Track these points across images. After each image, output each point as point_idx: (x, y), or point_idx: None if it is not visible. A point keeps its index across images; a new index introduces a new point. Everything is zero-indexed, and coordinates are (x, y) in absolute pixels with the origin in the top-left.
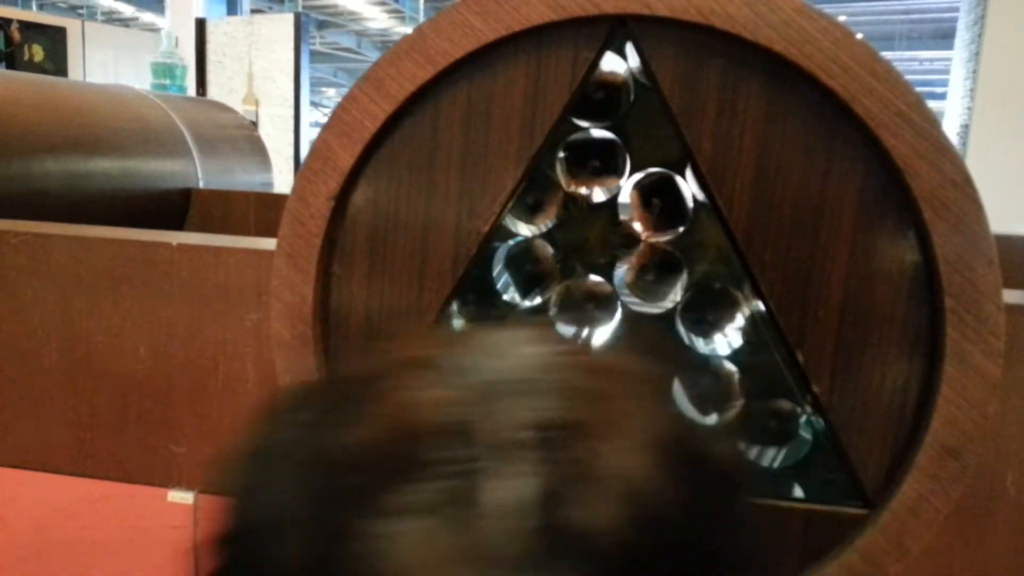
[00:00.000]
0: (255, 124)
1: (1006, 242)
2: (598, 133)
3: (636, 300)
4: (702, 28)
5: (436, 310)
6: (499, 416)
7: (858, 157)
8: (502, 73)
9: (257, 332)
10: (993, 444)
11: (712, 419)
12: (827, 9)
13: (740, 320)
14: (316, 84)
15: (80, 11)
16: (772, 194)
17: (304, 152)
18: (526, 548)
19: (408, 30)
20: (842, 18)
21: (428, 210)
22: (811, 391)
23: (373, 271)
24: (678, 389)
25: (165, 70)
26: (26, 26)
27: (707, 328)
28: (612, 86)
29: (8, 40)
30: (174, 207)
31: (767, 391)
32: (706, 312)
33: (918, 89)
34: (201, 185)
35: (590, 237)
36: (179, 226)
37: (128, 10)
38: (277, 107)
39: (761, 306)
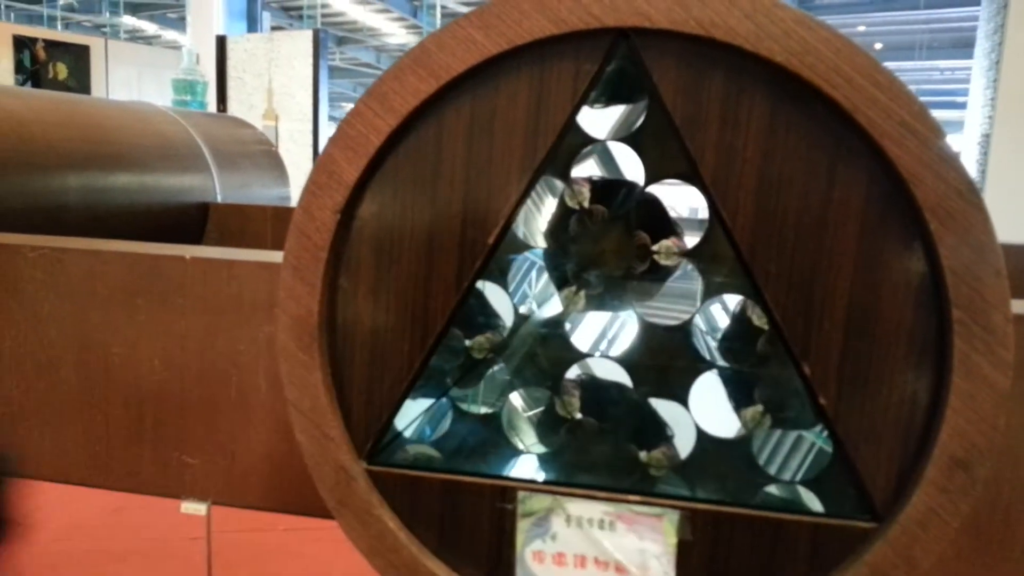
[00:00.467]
0: (275, 139)
1: (1014, 252)
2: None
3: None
4: (703, 40)
5: (442, 322)
6: None
7: (862, 167)
8: (505, 87)
9: (270, 344)
10: (1011, 456)
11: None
12: (847, 19)
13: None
14: (335, 99)
15: (104, 29)
16: (776, 205)
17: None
18: None
19: None
20: (861, 28)
21: (433, 223)
22: (817, 403)
23: (378, 284)
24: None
25: (186, 87)
26: (51, 45)
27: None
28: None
29: (33, 58)
30: (192, 221)
31: (785, 405)
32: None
33: (938, 99)
34: (219, 199)
35: (605, 249)
36: (197, 240)
37: (151, 28)
38: (296, 122)
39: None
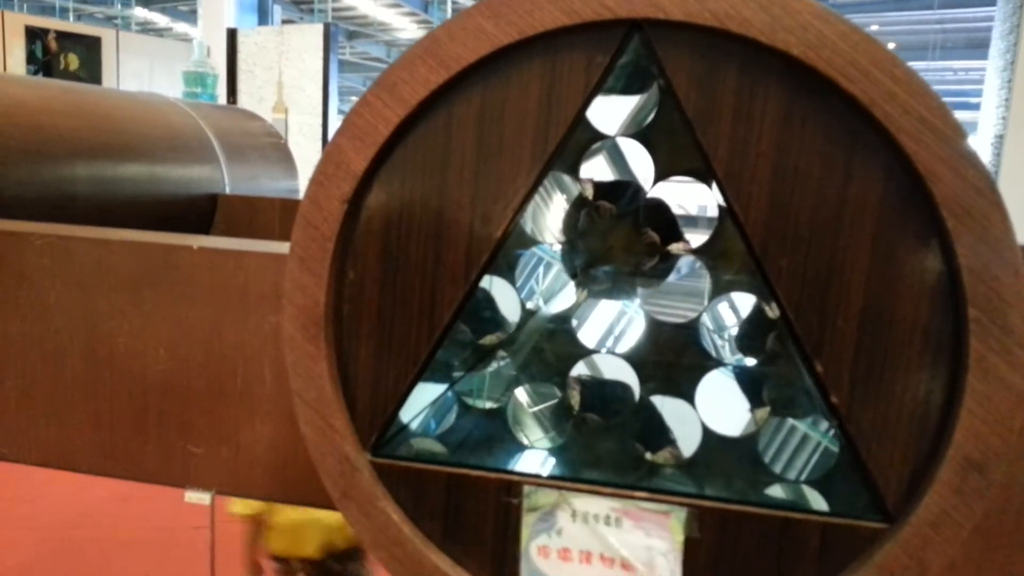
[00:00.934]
0: (285, 132)
1: None
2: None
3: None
4: (717, 32)
5: (449, 315)
6: None
7: (878, 163)
8: (515, 78)
9: (276, 335)
10: None
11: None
12: (860, 18)
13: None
14: (345, 94)
15: (115, 21)
16: (790, 200)
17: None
18: None
19: None
20: (874, 27)
21: (441, 214)
22: (829, 402)
23: (385, 275)
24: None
25: (196, 79)
26: (63, 36)
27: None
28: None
29: (45, 49)
30: (201, 212)
31: (794, 403)
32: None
33: (951, 99)
34: (228, 191)
35: (613, 246)
36: (205, 231)
37: (162, 20)
38: (306, 115)
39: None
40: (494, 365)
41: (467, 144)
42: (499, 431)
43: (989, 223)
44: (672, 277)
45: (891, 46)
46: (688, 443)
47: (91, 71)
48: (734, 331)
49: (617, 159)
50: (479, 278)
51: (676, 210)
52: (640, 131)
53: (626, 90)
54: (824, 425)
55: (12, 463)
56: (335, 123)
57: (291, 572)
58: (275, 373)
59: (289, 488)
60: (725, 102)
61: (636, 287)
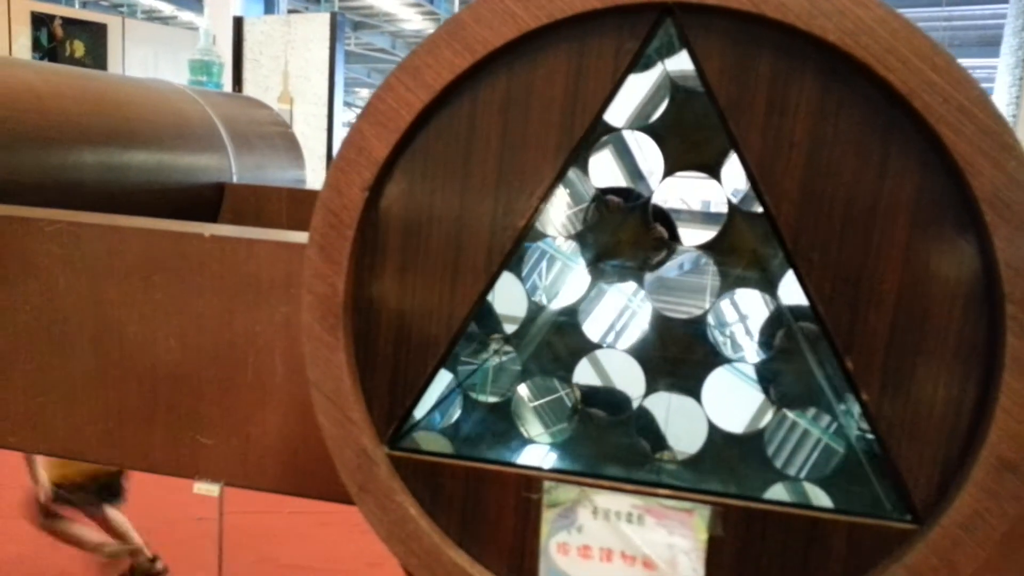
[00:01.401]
0: (290, 122)
1: None
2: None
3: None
4: (752, 17)
5: (469, 306)
6: None
7: (915, 154)
8: (542, 63)
9: (287, 325)
10: None
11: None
12: None
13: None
14: (350, 85)
15: (121, 8)
16: (823, 192)
17: (337, 151)
18: None
19: None
20: None
21: (463, 203)
22: (860, 399)
23: (405, 264)
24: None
25: (202, 67)
26: (68, 22)
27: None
28: None
29: (51, 36)
30: (207, 201)
31: (799, 400)
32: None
33: None
34: (235, 180)
35: (621, 240)
36: (212, 220)
37: (168, 8)
38: (312, 105)
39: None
40: (497, 359)
41: (491, 131)
42: (503, 425)
43: None
44: (674, 273)
45: None
46: (694, 440)
47: (97, 58)
48: (736, 328)
49: (623, 153)
50: (501, 269)
51: (681, 206)
52: (649, 125)
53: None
54: (826, 421)
55: (20, 452)
56: (341, 114)
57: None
58: (286, 364)
59: (300, 480)
60: (758, 91)
61: (640, 279)
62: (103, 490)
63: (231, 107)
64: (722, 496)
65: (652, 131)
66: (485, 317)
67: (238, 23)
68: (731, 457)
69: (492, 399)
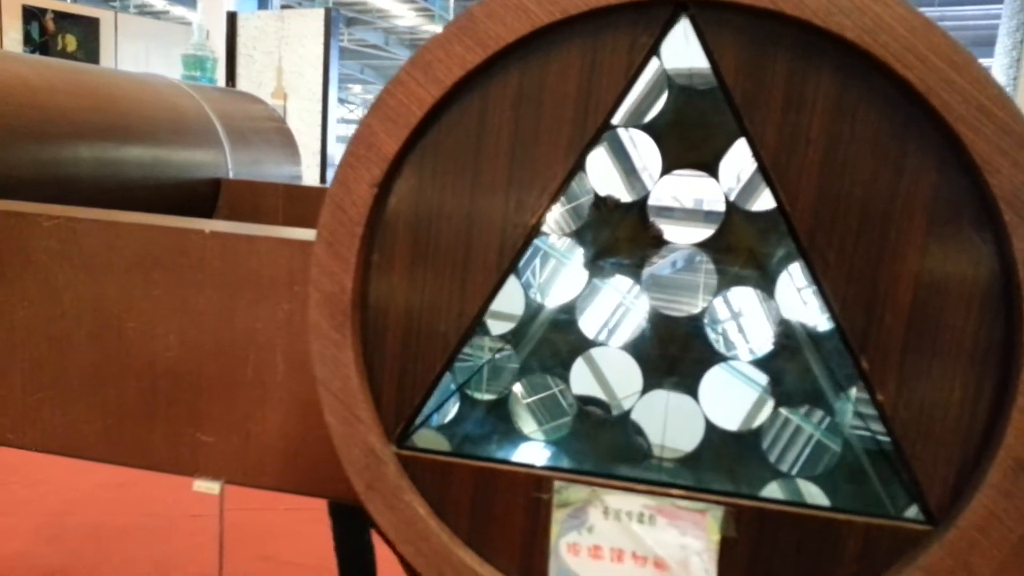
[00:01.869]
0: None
1: None
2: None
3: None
4: (770, 14)
5: (480, 304)
6: None
7: (932, 153)
8: (555, 58)
9: (289, 322)
10: None
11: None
12: None
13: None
14: (343, 81)
15: (113, 3)
16: (839, 190)
17: (331, 147)
18: None
19: (437, 28)
20: None
21: (473, 200)
22: (875, 399)
23: (415, 262)
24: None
25: (196, 62)
26: (60, 16)
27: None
28: None
29: (42, 30)
30: (203, 197)
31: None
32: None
33: None
34: (231, 176)
35: (619, 237)
36: (208, 216)
37: (160, 3)
38: (306, 101)
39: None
40: (490, 356)
41: (503, 127)
42: (500, 423)
43: None
44: (667, 270)
45: None
46: (691, 438)
47: (89, 53)
48: (728, 325)
49: (618, 151)
50: (512, 266)
51: (678, 204)
52: (646, 123)
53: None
54: (823, 420)
55: (17, 449)
56: (335, 110)
57: None
58: (287, 361)
59: (300, 478)
60: (775, 87)
61: (636, 276)
62: None
63: (227, 102)
64: (735, 496)
65: (649, 129)
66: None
67: (231, 18)
68: (727, 455)
69: (488, 397)
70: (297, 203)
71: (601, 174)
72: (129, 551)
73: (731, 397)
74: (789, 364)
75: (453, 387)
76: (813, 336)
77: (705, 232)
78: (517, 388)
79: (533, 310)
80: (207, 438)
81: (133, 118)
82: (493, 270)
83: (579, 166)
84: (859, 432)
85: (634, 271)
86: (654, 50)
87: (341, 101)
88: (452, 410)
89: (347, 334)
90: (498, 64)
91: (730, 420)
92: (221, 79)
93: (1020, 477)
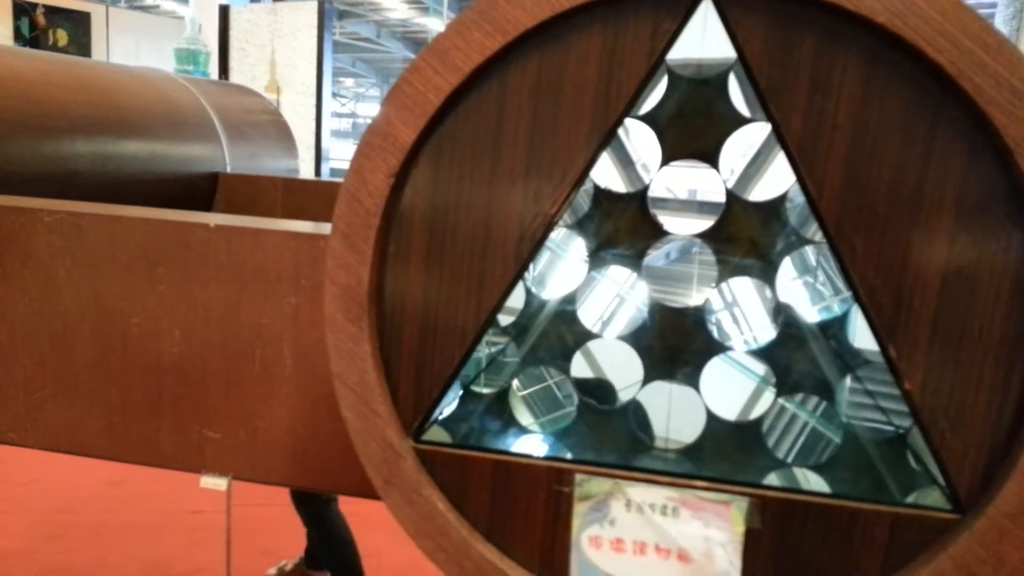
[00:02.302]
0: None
1: None
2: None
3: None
4: None
5: (498, 295)
6: None
7: (962, 137)
8: (576, 44)
9: (296, 316)
10: None
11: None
12: None
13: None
14: (334, 74)
15: None
16: (867, 176)
17: (326, 141)
18: None
19: (430, 21)
20: None
21: (492, 189)
22: (902, 388)
23: (431, 253)
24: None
25: (188, 56)
26: (51, 11)
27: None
28: None
29: (33, 24)
30: (201, 191)
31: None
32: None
33: None
34: (228, 170)
35: (619, 228)
36: (206, 210)
37: None
38: (299, 95)
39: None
40: (503, 347)
41: (522, 115)
42: (500, 415)
43: None
44: (661, 262)
45: None
46: (693, 428)
47: (80, 47)
48: (723, 315)
49: (615, 142)
50: (532, 257)
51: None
52: (646, 113)
53: None
54: (822, 408)
55: (19, 447)
56: (329, 104)
57: None
58: (294, 356)
59: (308, 473)
60: (801, 72)
61: (634, 266)
62: None
63: (223, 95)
64: (761, 488)
65: (648, 119)
66: None
67: (224, 11)
68: (728, 444)
69: (487, 390)
70: (296, 197)
71: (599, 165)
72: (129, 549)
73: (730, 387)
74: (791, 353)
75: (458, 381)
76: (813, 325)
77: (705, 223)
78: (516, 381)
79: (532, 302)
80: (214, 434)
81: (130, 112)
82: (512, 261)
83: (600, 154)
84: (862, 420)
85: (634, 262)
86: (677, 35)
87: (333, 95)
88: (453, 404)
89: (364, 327)
90: (517, 50)
91: (729, 410)
92: (214, 73)
93: None
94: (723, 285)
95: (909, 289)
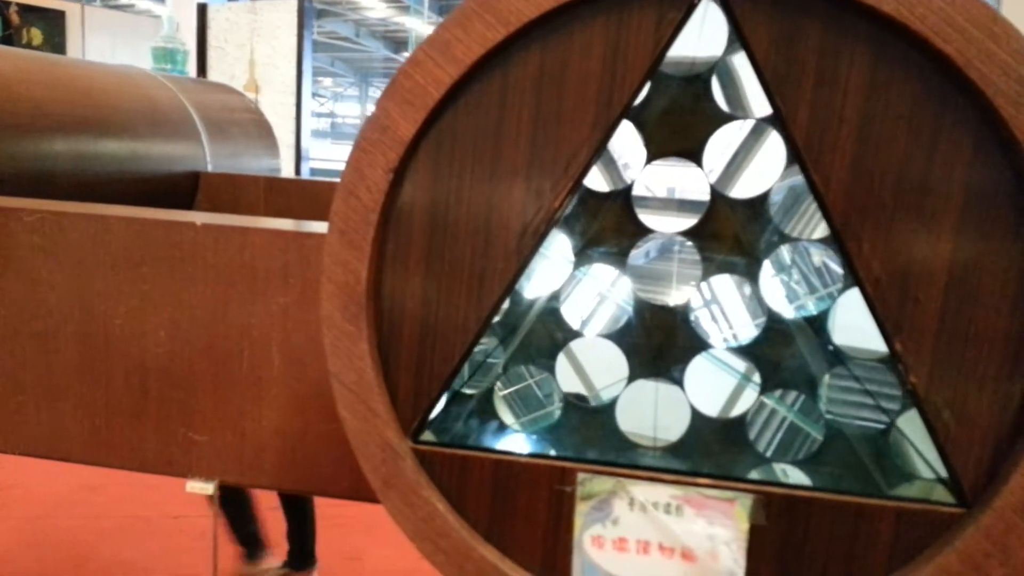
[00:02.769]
0: None
1: None
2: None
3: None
4: None
5: (500, 292)
6: None
7: (969, 130)
8: (579, 35)
9: (284, 316)
10: None
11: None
12: None
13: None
14: (313, 73)
15: None
16: (873, 169)
17: (305, 140)
18: None
19: (409, 20)
20: None
21: (493, 184)
22: (908, 382)
23: (431, 250)
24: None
25: (166, 55)
26: (25, 9)
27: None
28: None
29: (6, 23)
30: (182, 190)
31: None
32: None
33: None
34: (209, 169)
35: (605, 227)
36: (187, 210)
37: None
38: (279, 95)
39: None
40: (495, 347)
41: (524, 108)
42: (484, 415)
43: None
44: (641, 260)
45: None
46: (678, 426)
47: (55, 47)
48: (702, 313)
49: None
50: (534, 252)
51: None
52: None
53: None
54: (809, 406)
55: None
56: (309, 103)
57: None
58: (283, 356)
59: (298, 476)
60: (807, 64)
61: (618, 264)
62: None
63: (203, 94)
64: (765, 484)
65: (632, 117)
66: None
67: (202, 9)
68: (713, 442)
69: (471, 391)
70: (278, 196)
71: None
72: (110, 554)
73: (713, 384)
74: (779, 349)
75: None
76: (800, 320)
77: (687, 221)
78: (500, 381)
79: (519, 302)
80: (200, 437)
81: (109, 111)
82: (514, 256)
83: (604, 146)
84: (846, 416)
85: (618, 260)
86: (682, 26)
87: (312, 94)
88: (439, 405)
89: (362, 326)
90: (519, 42)
91: (712, 407)
92: (192, 72)
93: None
94: (704, 283)
95: (915, 283)
